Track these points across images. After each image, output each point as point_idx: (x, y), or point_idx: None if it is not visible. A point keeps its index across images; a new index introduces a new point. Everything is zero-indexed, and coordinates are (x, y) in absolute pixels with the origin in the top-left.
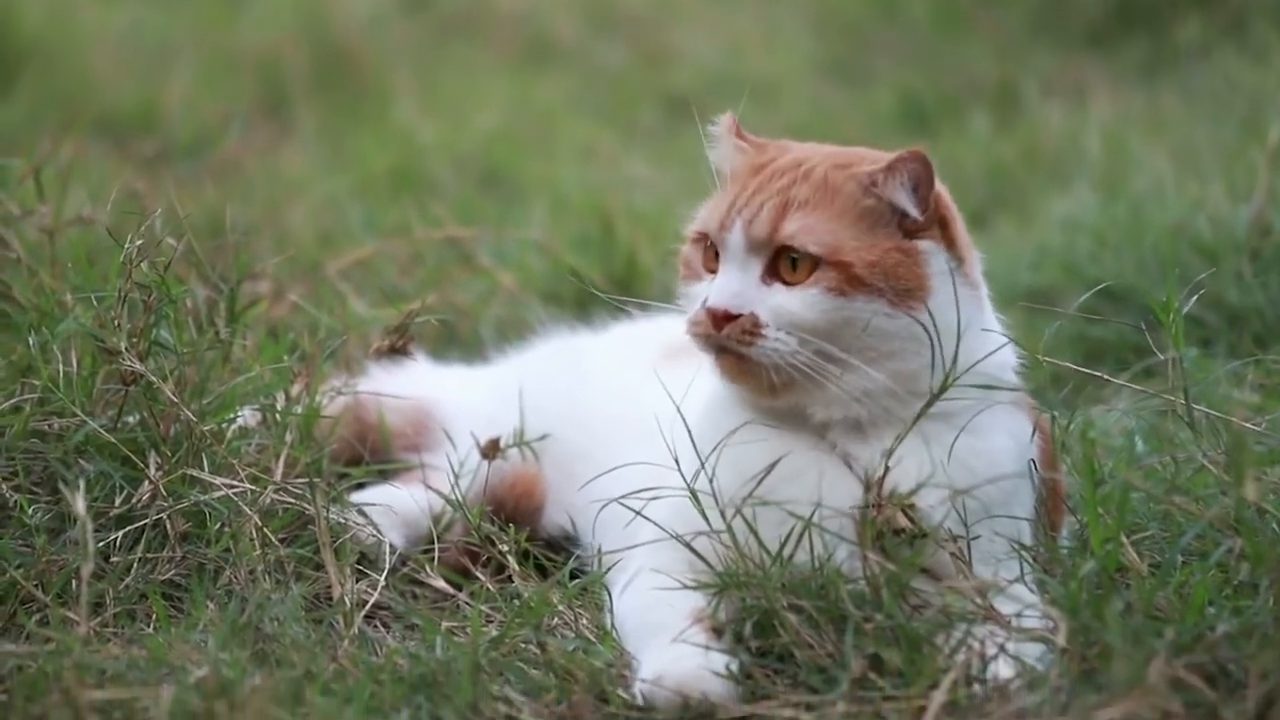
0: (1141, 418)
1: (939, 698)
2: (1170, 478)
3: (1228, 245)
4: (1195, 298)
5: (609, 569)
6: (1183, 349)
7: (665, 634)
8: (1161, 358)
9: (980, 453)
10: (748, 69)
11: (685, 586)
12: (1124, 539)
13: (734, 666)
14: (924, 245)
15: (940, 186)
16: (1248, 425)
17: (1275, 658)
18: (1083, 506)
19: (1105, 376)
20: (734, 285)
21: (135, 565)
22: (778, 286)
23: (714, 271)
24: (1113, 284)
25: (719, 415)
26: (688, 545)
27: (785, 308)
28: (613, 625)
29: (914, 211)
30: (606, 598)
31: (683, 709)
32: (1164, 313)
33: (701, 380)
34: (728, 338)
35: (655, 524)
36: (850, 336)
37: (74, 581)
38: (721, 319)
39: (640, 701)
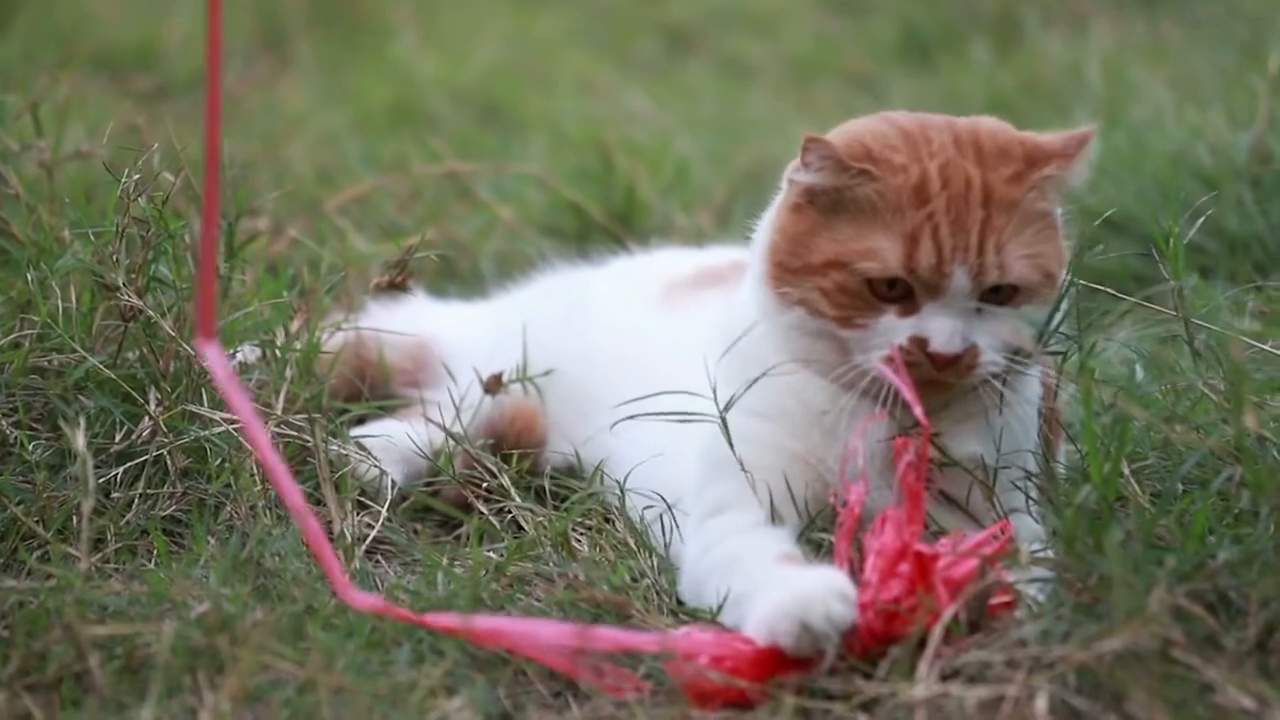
0: (1142, 347)
1: (938, 630)
2: (1171, 406)
3: (1228, 173)
4: (1196, 225)
5: (647, 509)
6: (1182, 276)
7: (764, 572)
8: (1164, 286)
9: (1017, 378)
10: (747, 0)
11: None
12: (1124, 468)
13: (849, 587)
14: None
15: None
16: (1249, 344)
17: (1276, 585)
18: (1082, 436)
19: (1112, 292)
20: (957, 326)
21: (136, 501)
22: (987, 310)
23: (893, 301)
24: (1113, 213)
25: (754, 351)
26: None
27: (1003, 331)
28: (690, 593)
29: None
30: (659, 537)
31: (808, 635)
32: (1164, 241)
33: (712, 316)
34: (952, 375)
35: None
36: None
37: (75, 517)
38: (949, 362)
39: (764, 642)
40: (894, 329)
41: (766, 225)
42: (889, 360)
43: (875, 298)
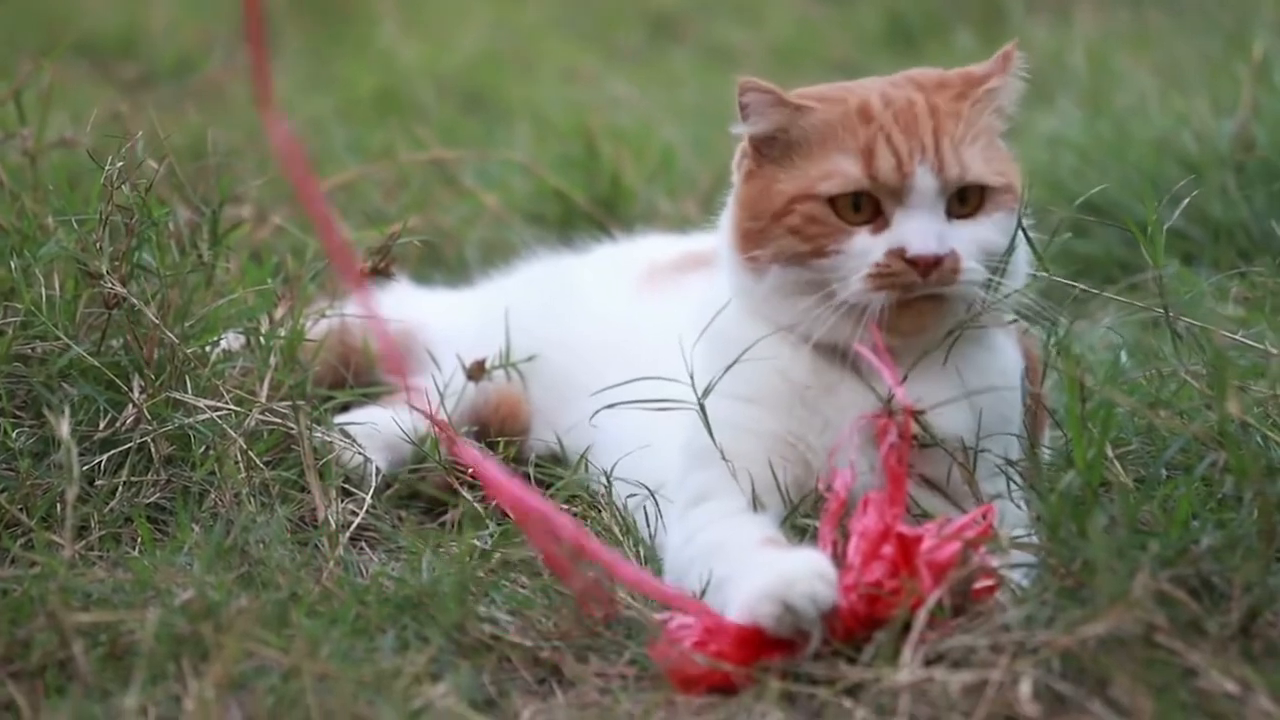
0: (1126, 332)
1: (923, 615)
2: (1155, 392)
3: (1212, 160)
4: (1180, 211)
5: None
6: (1162, 264)
7: (746, 555)
8: (1148, 273)
9: (1000, 362)
10: None
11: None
12: (1109, 453)
13: (830, 568)
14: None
15: None
16: (1230, 335)
17: (1259, 570)
18: (1067, 421)
19: (1094, 290)
20: (934, 227)
21: (120, 489)
22: (958, 221)
23: (865, 223)
24: (1097, 199)
25: (733, 333)
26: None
27: (978, 238)
28: (674, 581)
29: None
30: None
31: (789, 616)
32: (1143, 231)
33: (694, 299)
34: (937, 281)
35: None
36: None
37: (58, 505)
38: (930, 264)
39: (746, 624)
40: (869, 248)
41: (728, 210)
42: (882, 276)
43: (845, 223)
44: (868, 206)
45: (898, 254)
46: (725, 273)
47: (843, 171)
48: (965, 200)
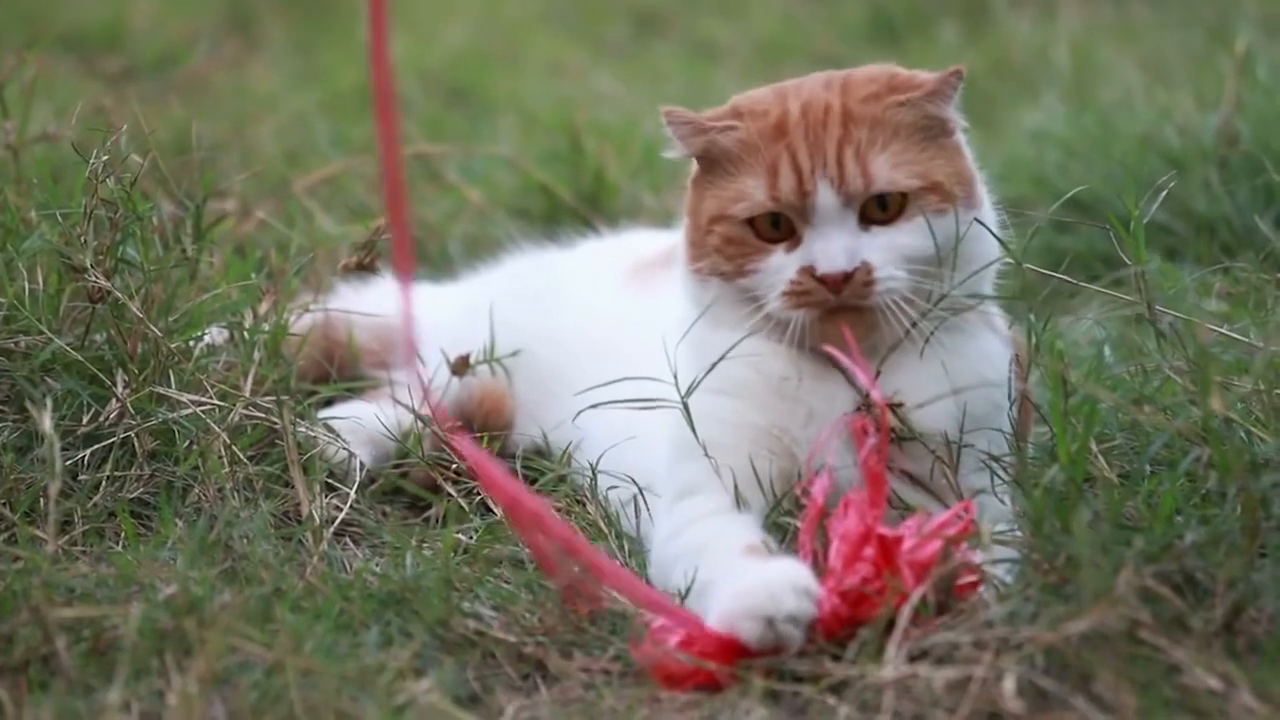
0: (1110, 327)
1: (907, 612)
2: (1139, 387)
3: (1195, 154)
4: (1163, 206)
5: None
6: (1144, 260)
7: (729, 563)
8: (1126, 269)
9: (986, 356)
10: None
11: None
12: (1093, 448)
13: (810, 581)
14: (958, 139)
15: None
16: (1213, 330)
17: (1243, 566)
18: (1051, 416)
19: (1076, 281)
20: (841, 243)
21: (103, 483)
22: (876, 229)
23: (780, 241)
24: (1081, 194)
25: (712, 333)
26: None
27: (895, 245)
28: (658, 577)
29: (959, 121)
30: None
31: (770, 631)
32: (1124, 226)
33: (678, 295)
34: (850, 296)
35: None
36: (944, 253)
37: (42, 500)
38: (840, 281)
39: (725, 632)
40: (784, 266)
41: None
42: (797, 295)
43: (762, 240)
44: (785, 224)
45: (809, 271)
46: (680, 280)
47: (749, 194)
48: (886, 206)
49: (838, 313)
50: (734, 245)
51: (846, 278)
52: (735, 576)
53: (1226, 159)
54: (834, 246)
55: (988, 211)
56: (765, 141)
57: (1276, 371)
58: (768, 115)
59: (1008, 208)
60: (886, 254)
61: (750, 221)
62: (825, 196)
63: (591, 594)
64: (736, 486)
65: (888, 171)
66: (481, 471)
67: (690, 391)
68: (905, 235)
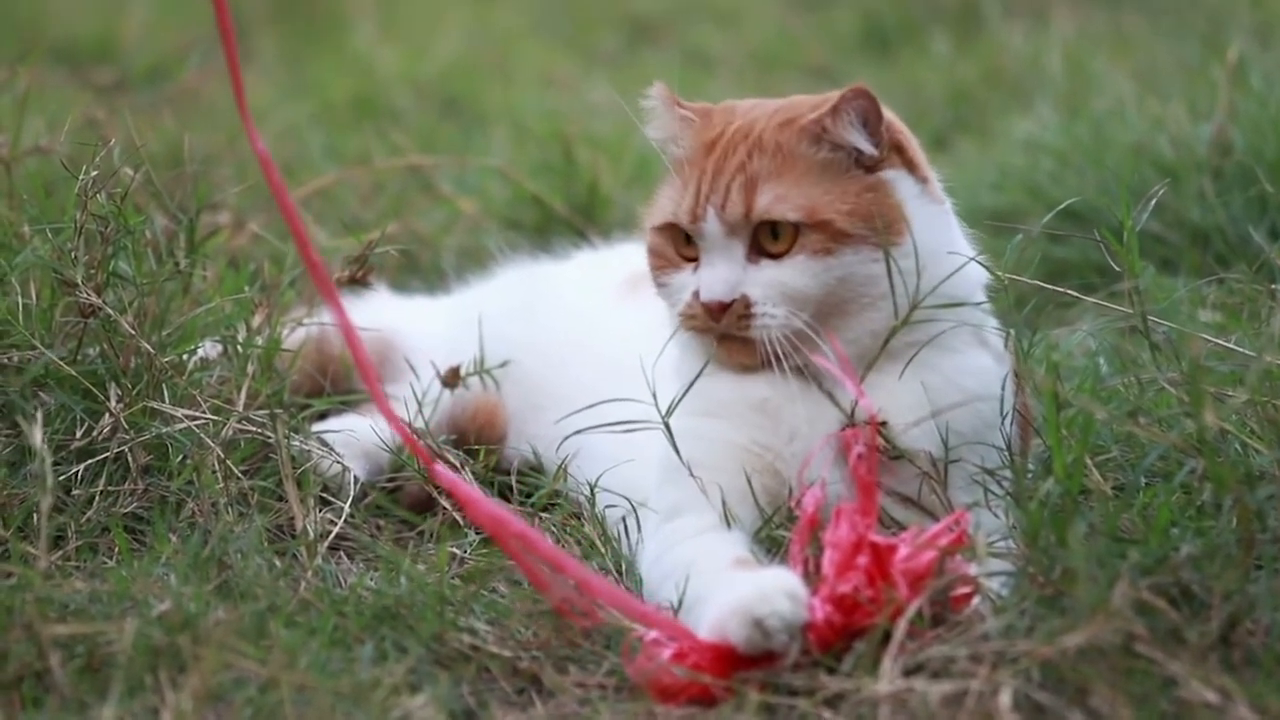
0: (1104, 338)
1: (902, 624)
2: (1134, 399)
3: (1189, 164)
4: (1157, 217)
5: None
6: (1138, 270)
7: (717, 576)
8: (1121, 280)
9: (972, 372)
10: None
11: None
12: (1088, 461)
13: (800, 587)
14: (889, 175)
15: (889, 113)
16: (1207, 341)
17: (1238, 578)
18: (1046, 429)
19: (1070, 293)
20: (722, 273)
21: (96, 498)
22: (765, 263)
23: (691, 259)
24: (1075, 204)
25: (685, 351)
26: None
27: (776, 281)
28: (648, 595)
29: (869, 148)
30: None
31: (759, 633)
32: (1118, 237)
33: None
34: (727, 326)
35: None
36: (845, 291)
37: (34, 515)
38: (718, 310)
39: (716, 640)
40: (684, 286)
41: None
42: (687, 317)
43: (678, 255)
44: (693, 243)
45: (695, 295)
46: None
47: (663, 205)
48: (778, 237)
49: (727, 339)
50: (655, 255)
51: (724, 308)
52: (725, 587)
53: (1220, 169)
54: (716, 276)
55: (934, 246)
56: (697, 156)
57: (1271, 383)
58: (711, 129)
59: (999, 219)
60: (767, 289)
61: (669, 234)
62: (712, 223)
63: (586, 609)
64: (725, 504)
65: (769, 202)
66: (460, 497)
67: (670, 412)
68: (789, 272)
